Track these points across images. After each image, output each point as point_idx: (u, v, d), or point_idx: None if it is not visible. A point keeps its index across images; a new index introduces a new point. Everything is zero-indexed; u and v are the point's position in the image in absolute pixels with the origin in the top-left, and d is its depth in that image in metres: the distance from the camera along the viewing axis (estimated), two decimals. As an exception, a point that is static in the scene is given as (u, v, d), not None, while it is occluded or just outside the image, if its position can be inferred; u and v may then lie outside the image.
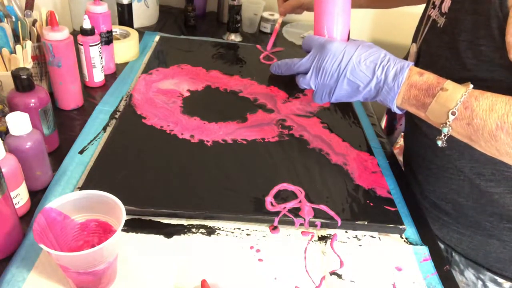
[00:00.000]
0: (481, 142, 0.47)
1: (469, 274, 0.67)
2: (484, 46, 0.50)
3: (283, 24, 1.30)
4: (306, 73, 0.59)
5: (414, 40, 0.68)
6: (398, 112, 0.55)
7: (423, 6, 0.70)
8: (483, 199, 0.60)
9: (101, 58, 0.79)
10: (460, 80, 0.49)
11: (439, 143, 0.51)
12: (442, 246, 0.70)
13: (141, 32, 1.06)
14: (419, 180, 0.70)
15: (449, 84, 0.48)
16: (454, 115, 0.47)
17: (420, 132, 0.65)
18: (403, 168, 0.74)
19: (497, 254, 0.64)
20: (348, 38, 0.62)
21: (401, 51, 0.56)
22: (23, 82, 0.54)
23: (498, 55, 0.48)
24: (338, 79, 0.56)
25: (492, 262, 0.65)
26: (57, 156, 0.62)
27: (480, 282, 0.67)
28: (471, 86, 0.47)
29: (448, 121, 0.48)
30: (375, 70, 0.53)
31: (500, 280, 0.65)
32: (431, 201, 0.69)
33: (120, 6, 0.99)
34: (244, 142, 0.68)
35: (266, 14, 1.24)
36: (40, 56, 0.70)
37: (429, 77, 0.50)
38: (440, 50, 0.57)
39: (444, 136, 0.50)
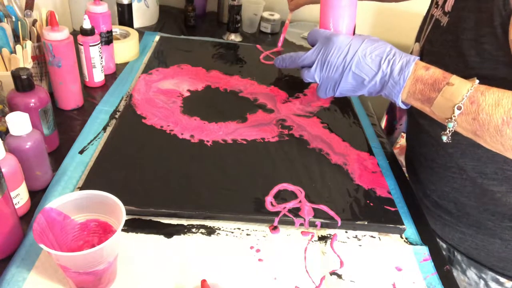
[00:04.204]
0: (486, 137, 0.47)
1: (471, 273, 0.67)
2: (487, 44, 0.50)
3: (283, 24, 1.30)
4: (311, 66, 0.59)
5: (417, 39, 0.68)
6: (403, 107, 0.55)
7: (425, 5, 0.70)
8: (485, 198, 0.60)
9: (101, 58, 0.79)
10: (463, 78, 0.49)
11: (444, 138, 0.51)
12: (444, 245, 0.70)
13: (141, 32, 1.06)
14: (421, 179, 0.70)
15: (455, 79, 0.48)
16: (459, 109, 0.47)
17: (423, 131, 0.65)
18: (403, 168, 0.74)
19: (499, 254, 0.64)
20: (354, 33, 0.62)
21: (401, 50, 0.56)
22: (23, 82, 0.54)
23: (501, 52, 0.48)
24: (343, 73, 0.56)
25: (494, 262, 0.65)
26: (57, 156, 0.62)
27: (482, 282, 0.67)
28: (477, 81, 0.47)
29: (454, 116, 0.48)
30: (380, 63, 0.53)
31: (502, 279, 0.65)
32: (433, 200, 0.69)
33: (120, 6, 0.99)
34: (244, 142, 0.68)
35: (266, 14, 1.24)
36: (40, 56, 0.70)
37: (435, 72, 0.50)
38: (443, 49, 0.57)
39: (449, 131, 0.49)
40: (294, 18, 1.31)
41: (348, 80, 0.56)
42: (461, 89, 0.47)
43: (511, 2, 0.46)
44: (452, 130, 0.49)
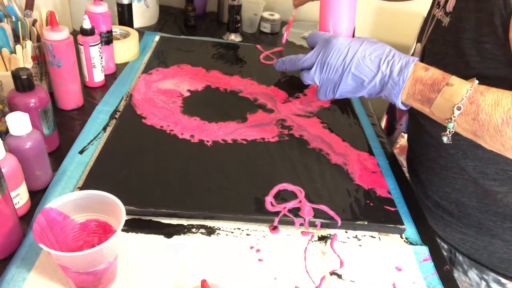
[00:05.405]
0: (486, 137, 0.47)
1: (473, 274, 0.67)
2: (488, 43, 0.50)
3: (283, 24, 1.30)
4: (310, 68, 0.59)
5: (419, 40, 0.68)
6: (403, 108, 0.55)
7: (425, 5, 0.70)
8: (487, 199, 0.60)
9: (101, 58, 0.79)
10: (464, 78, 0.49)
11: (445, 139, 0.51)
12: (445, 246, 0.70)
13: (141, 32, 1.06)
14: (423, 179, 0.70)
15: (454, 79, 0.48)
16: (459, 110, 0.47)
17: (424, 131, 0.65)
18: (403, 168, 0.74)
19: (500, 255, 0.64)
20: (353, 35, 0.62)
21: (401, 51, 0.56)
22: (23, 82, 0.54)
23: (502, 52, 0.48)
24: (342, 74, 0.56)
25: (496, 263, 0.65)
26: (57, 156, 0.62)
27: (483, 283, 0.67)
28: (477, 81, 0.47)
29: (454, 116, 0.48)
30: (380, 64, 0.53)
31: (503, 280, 0.65)
32: (434, 201, 0.69)
33: (120, 6, 0.99)
34: (244, 142, 0.68)
35: (266, 14, 1.24)
36: (40, 56, 0.70)
37: (434, 72, 0.50)
38: (444, 49, 0.57)
39: (449, 132, 0.49)
40: (294, 17, 1.32)
41: (348, 82, 0.56)
42: (461, 89, 0.47)
43: (511, 1, 0.46)
44: (452, 131, 0.49)
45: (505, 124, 0.44)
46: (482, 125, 0.46)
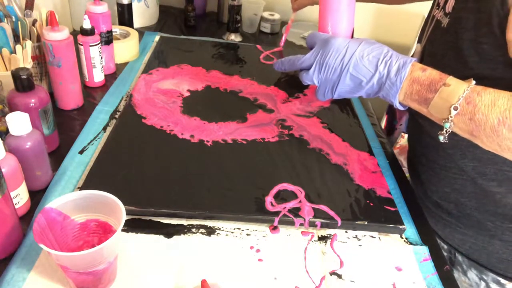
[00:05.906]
0: (482, 137, 0.47)
1: (472, 274, 0.67)
2: (486, 44, 0.50)
3: (283, 24, 1.30)
4: (309, 68, 0.59)
5: (419, 41, 0.68)
6: (401, 108, 0.55)
7: (424, 6, 0.70)
8: (486, 199, 0.60)
9: (101, 58, 0.79)
10: (462, 79, 0.49)
11: (441, 138, 0.51)
12: (445, 246, 0.70)
13: (141, 32, 1.06)
14: (422, 180, 0.70)
15: (451, 79, 0.49)
16: (456, 110, 0.47)
17: (423, 132, 0.66)
18: (403, 168, 0.74)
19: (499, 255, 0.64)
20: (352, 36, 0.62)
21: (401, 51, 0.56)
22: (23, 82, 0.54)
23: (500, 52, 0.49)
24: (341, 74, 0.56)
25: (495, 263, 0.65)
26: (57, 156, 0.62)
27: (483, 283, 0.67)
28: (474, 82, 0.47)
29: (450, 116, 0.48)
30: (377, 65, 0.53)
31: (503, 281, 0.65)
32: (434, 201, 0.69)
33: (120, 6, 0.99)
34: (244, 142, 0.68)
35: (266, 14, 1.24)
36: (40, 56, 0.70)
37: (431, 73, 0.50)
38: (443, 50, 0.57)
39: (446, 131, 0.50)
40: (295, 18, 1.32)
41: (346, 82, 0.56)
42: (458, 89, 0.47)
43: (509, 2, 0.46)
44: (449, 131, 0.49)
45: (502, 125, 0.44)
46: (478, 125, 0.46)
